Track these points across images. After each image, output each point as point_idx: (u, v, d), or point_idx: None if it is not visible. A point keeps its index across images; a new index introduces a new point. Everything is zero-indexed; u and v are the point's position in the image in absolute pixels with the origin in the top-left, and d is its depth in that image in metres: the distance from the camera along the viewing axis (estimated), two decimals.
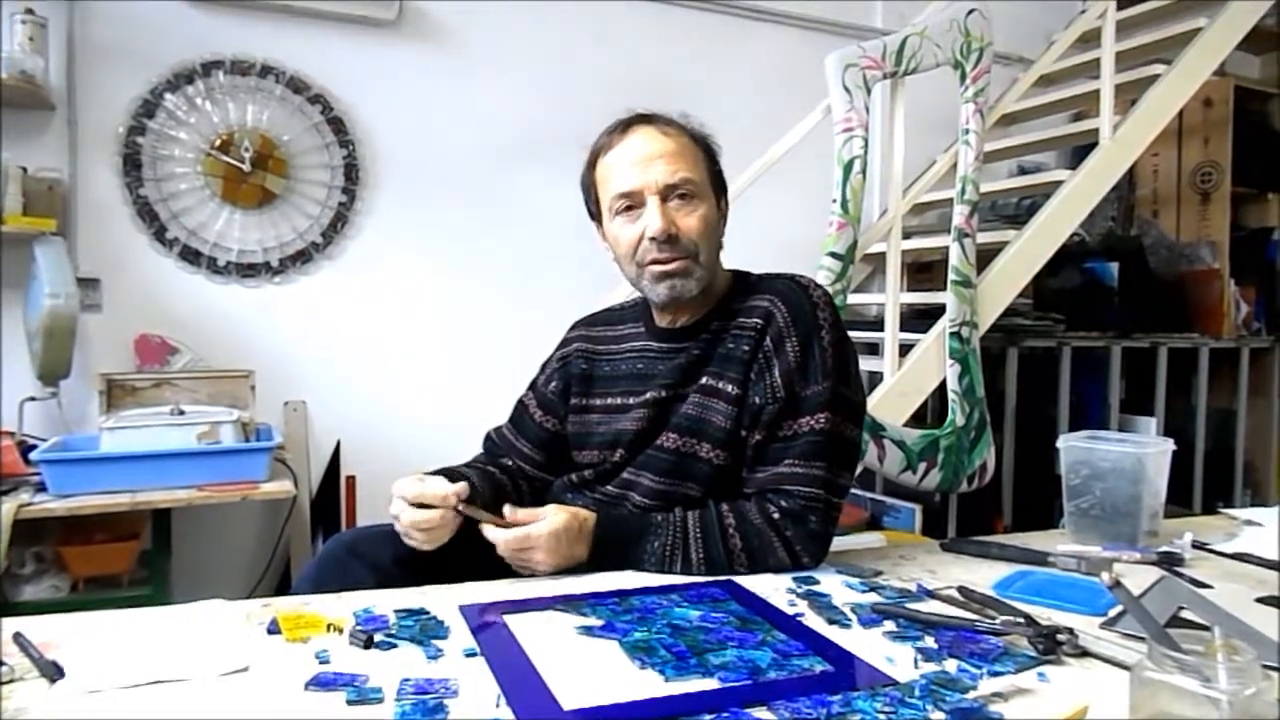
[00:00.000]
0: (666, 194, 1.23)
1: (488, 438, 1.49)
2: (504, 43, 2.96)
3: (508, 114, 2.93)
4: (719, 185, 1.33)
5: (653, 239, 1.22)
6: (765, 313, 1.25)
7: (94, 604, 1.67)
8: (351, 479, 2.77)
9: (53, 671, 0.82)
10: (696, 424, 1.25)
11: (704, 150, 1.30)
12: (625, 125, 1.28)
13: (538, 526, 1.16)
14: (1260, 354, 3.70)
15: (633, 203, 1.24)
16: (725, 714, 0.75)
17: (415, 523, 1.14)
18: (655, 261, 1.24)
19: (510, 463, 1.42)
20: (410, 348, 2.86)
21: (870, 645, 0.91)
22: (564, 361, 1.43)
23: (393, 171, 2.84)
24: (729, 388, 1.24)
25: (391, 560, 1.19)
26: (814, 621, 0.98)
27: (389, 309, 2.84)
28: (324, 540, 2.74)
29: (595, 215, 1.34)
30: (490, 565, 1.18)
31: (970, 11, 2.66)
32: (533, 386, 1.47)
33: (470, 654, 0.88)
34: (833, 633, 0.95)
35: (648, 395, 1.29)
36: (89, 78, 2.50)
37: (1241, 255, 3.66)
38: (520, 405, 1.47)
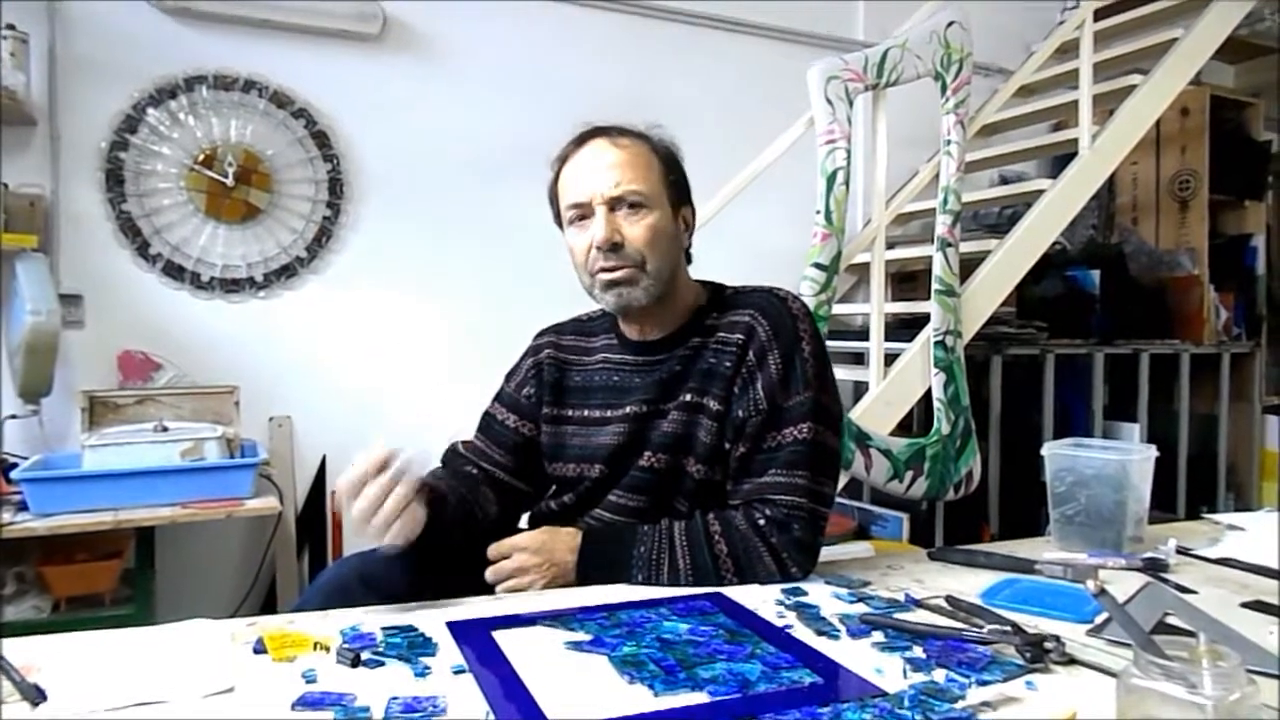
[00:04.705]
0: (614, 204, 1.24)
1: (450, 450, 1.45)
2: (487, 57, 2.97)
3: (491, 128, 2.94)
4: (679, 194, 1.32)
5: (598, 248, 1.24)
6: (747, 328, 1.25)
7: (76, 624, 1.66)
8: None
9: (35, 694, 0.80)
10: (680, 441, 1.25)
11: (663, 159, 1.30)
12: (582, 138, 1.30)
13: (519, 538, 1.18)
14: (1240, 359, 3.74)
15: (584, 213, 1.26)
16: None
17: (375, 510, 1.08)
18: (602, 270, 1.25)
19: (476, 471, 1.39)
20: (396, 362, 2.85)
21: (859, 656, 0.91)
22: (537, 368, 1.41)
23: (377, 186, 2.84)
24: (712, 404, 1.24)
25: (405, 587, 1.15)
26: (803, 633, 0.98)
27: (374, 323, 2.83)
28: (310, 557, 2.73)
29: (560, 224, 1.35)
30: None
31: (950, 24, 2.69)
32: (499, 397, 1.45)
33: (459, 671, 0.88)
34: (821, 644, 0.95)
35: (627, 410, 1.29)
36: (71, 93, 2.49)
37: (1220, 262, 3.71)
38: (487, 416, 1.44)
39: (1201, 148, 3.65)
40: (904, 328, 2.84)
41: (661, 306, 1.29)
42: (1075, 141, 3.05)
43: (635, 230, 1.24)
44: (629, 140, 1.28)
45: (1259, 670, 0.83)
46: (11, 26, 2.31)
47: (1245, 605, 1.09)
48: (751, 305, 1.28)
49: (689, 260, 1.37)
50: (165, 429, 2.21)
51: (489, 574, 1.20)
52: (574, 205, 1.26)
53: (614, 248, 1.23)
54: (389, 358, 2.84)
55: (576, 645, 0.94)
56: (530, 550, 1.20)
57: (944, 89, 2.69)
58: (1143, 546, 1.34)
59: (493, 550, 1.21)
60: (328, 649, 0.92)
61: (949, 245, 2.66)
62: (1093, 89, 3.05)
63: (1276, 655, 0.89)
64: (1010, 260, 2.86)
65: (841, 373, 2.95)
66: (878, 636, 0.96)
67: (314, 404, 2.75)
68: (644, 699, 0.81)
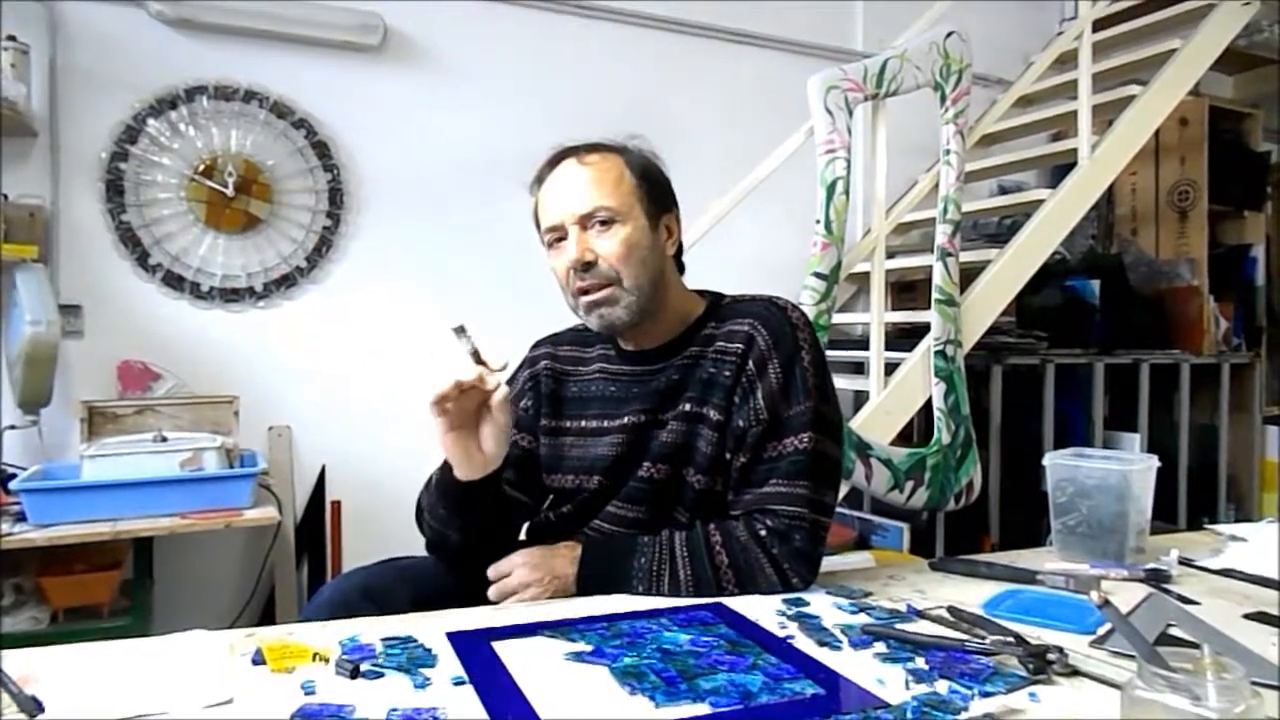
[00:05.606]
0: (584, 223, 1.24)
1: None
2: (487, 68, 2.98)
3: (491, 138, 2.94)
4: (657, 203, 1.30)
5: (571, 268, 1.24)
6: (746, 337, 1.25)
7: (74, 635, 1.65)
8: (337, 504, 2.75)
9: (32, 707, 0.80)
10: (680, 450, 1.25)
11: (636, 170, 1.28)
12: (553, 160, 1.30)
13: (518, 555, 1.20)
14: (1240, 369, 3.74)
15: (559, 235, 1.27)
16: None
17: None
18: (580, 290, 1.25)
19: None
20: (395, 371, 2.85)
21: (861, 667, 0.91)
22: (534, 380, 1.41)
23: (377, 195, 2.84)
24: (713, 414, 1.24)
25: (409, 602, 1.15)
26: (804, 644, 0.98)
27: (374, 332, 2.83)
28: (309, 567, 2.72)
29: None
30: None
31: (949, 34, 2.70)
32: None
33: (458, 682, 0.87)
34: (823, 655, 0.94)
35: (625, 420, 1.29)
36: (71, 104, 2.49)
37: (1219, 272, 3.71)
38: None
39: (1201, 158, 3.65)
40: (904, 337, 2.84)
41: (652, 319, 1.29)
42: (1074, 151, 3.05)
43: (608, 246, 1.23)
44: (597, 157, 1.27)
45: (1263, 682, 0.82)
46: (12, 38, 2.32)
47: (1248, 616, 1.09)
48: (750, 314, 1.27)
49: (681, 269, 1.36)
50: (164, 439, 2.21)
51: (491, 593, 1.20)
52: (549, 229, 1.28)
53: (586, 266, 1.23)
54: (389, 367, 2.84)
55: (577, 656, 0.94)
56: (530, 566, 1.20)
57: (943, 99, 2.70)
58: (1144, 557, 1.34)
59: (493, 571, 1.21)
60: (327, 660, 0.91)
61: (949, 255, 2.66)
62: (1092, 99, 3.06)
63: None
64: (1010, 270, 2.86)
65: (842, 382, 2.95)
66: (880, 647, 0.96)
67: (313, 414, 2.75)
68: (645, 710, 0.81)
